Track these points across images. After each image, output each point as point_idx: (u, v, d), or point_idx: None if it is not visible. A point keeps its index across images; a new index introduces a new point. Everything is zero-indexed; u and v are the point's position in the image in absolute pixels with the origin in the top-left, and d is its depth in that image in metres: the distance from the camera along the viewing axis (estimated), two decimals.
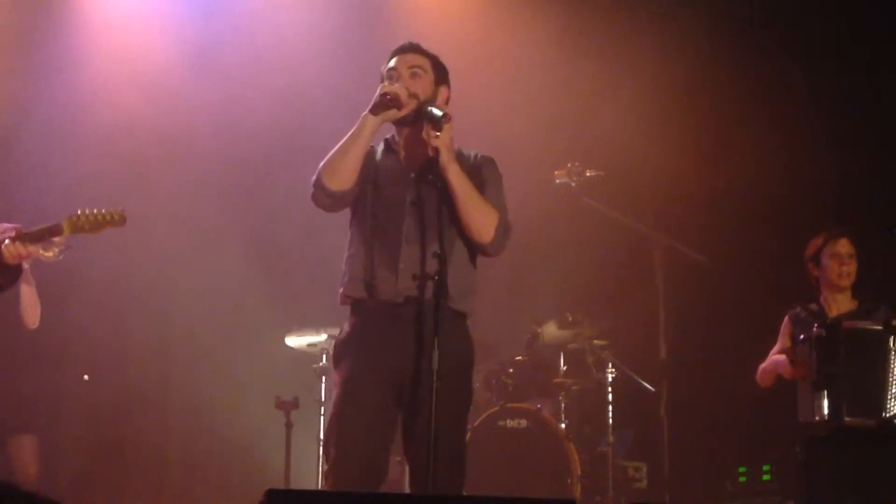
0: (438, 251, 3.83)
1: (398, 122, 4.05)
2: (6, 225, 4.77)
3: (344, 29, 7.35)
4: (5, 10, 7.05)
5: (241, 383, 7.27)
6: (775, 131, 6.84)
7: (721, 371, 6.73)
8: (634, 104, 6.93)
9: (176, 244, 7.26)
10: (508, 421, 6.16)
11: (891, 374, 4.98)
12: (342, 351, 4.01)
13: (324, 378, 6.25)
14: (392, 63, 4.12)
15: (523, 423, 6.13)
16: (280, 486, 5.98)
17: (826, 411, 4.95)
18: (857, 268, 5.28)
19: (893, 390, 4.99)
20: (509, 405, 6.24)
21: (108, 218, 4.79)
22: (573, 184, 6.25)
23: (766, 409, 6.10)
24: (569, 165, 6.27)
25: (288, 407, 6.22)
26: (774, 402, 5.57)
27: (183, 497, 7.11)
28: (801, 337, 5.13)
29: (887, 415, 4.95)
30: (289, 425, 6.22)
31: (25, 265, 5.33)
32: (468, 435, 6.05)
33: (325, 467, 3.99)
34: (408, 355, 3.87)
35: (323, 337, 6.28)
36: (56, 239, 4.78)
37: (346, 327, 4.05)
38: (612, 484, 6.27)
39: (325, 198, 4.04)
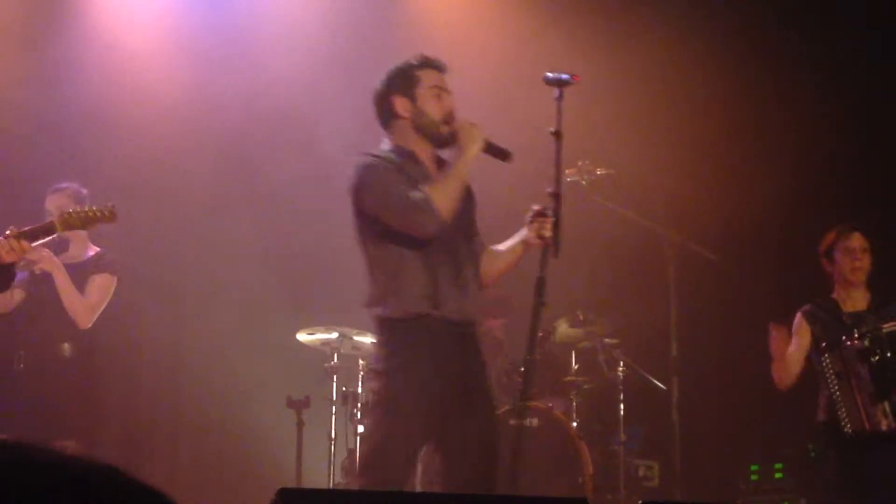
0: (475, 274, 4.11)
1: (434, 141, 4.13)
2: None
3: (350, 25, 7.35)
4: (8, 9, 7.07)
5: (253, 382, 7.28)
6: (788, 128, 6.82)
7: (733, 369, 6.71)
8: (646, 101, 6.92)
9: (188, 243, 7.28)
10: (512, 420, 6.15)
11: None
12: (399, 362, 3.98)
13: (335, 377, 6.25)
14: (435, 80, 4.13)
15: (535, 421, 6.12)
16: (292, 484, 5.98)
17: (893, 418, 4.93)
18: (870, 262, 5.27)
19: None
20: (520, 404, 6.21)
21: (98, 214, 4.86)
22: (584, 182, 6.23)
23: (778, 407, 6.08)
24: (579, 164, 6.24)
25: (299, 406, 6.23)
26: (786, 400, 5.55)
27: (195, 496, 7.10)
28: (831, 345, 5.10)
29: None
30: (300, 424, 6.22)
31: (37, 271, 5.46)
32: None
33: (362, 466, 4.10)
34: (464, 369, 4.00)
35: (334, 335, 6.28)
36: (48, 238, 4.87)
37: (405, 340, 4.00)
38: (623, 482, 6.26)
39: (434, 228, 3.98)
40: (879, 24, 6.74)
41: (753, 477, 6.20)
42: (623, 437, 6.34)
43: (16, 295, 5.64)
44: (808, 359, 5.24)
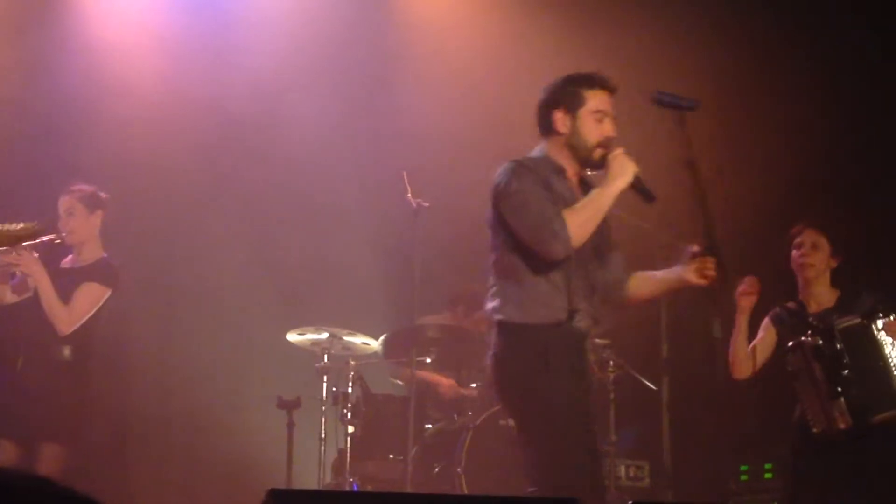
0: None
1: (583, 163, 4.15)
2: None
3: (338, 21, 7.35)
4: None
5: (243, 383, 7.28)
6: (779, 130, 6.82)
7: (723, 370, 6.71)
8: (637, 101, 6.90)
9: (176, 243, 7.27)
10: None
11: (890, 359, 4.95)
12: (543, 373, 4.02)
13: (325, 377, 6.25)
14: (597, 103, 4.13)
15: None
16: (282, 485, 5.97)
17: (850, 417, 4.88)
18: (825, 258, 5.22)
19: None
20: None
21: (21, 234, 4.86)
22: None
23: (767, 407, 6.08)
24: None
25: (290, 406, 6.22)
26: (776, 401, 5.55)
27: (185, 496, 7.10)
28: (791, 344, 5.08)
29: None
30: (290, 424, 6.21)
31: (18, 273, 5.51)
32: (470, 434, 6.07)
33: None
34: (586, 377, 4.15)
35: (324, 335, 6.27)
36: None
37: (544, 348, 4.04)
38: (614, 483, 6.26)
39: (563, 253, 4.00)
40: (876, 25, 6.75)
41: (743, 477, 6.20)
42: (614, 438, 6.34)
43: (8, 294, 5.67)
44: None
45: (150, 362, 7.35)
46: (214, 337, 7.25)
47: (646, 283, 4.29)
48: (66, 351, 5.57)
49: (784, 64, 6.93)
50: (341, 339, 6.29)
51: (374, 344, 6.42)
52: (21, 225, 4.81)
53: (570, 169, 4.15)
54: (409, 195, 6.18)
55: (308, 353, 6.43)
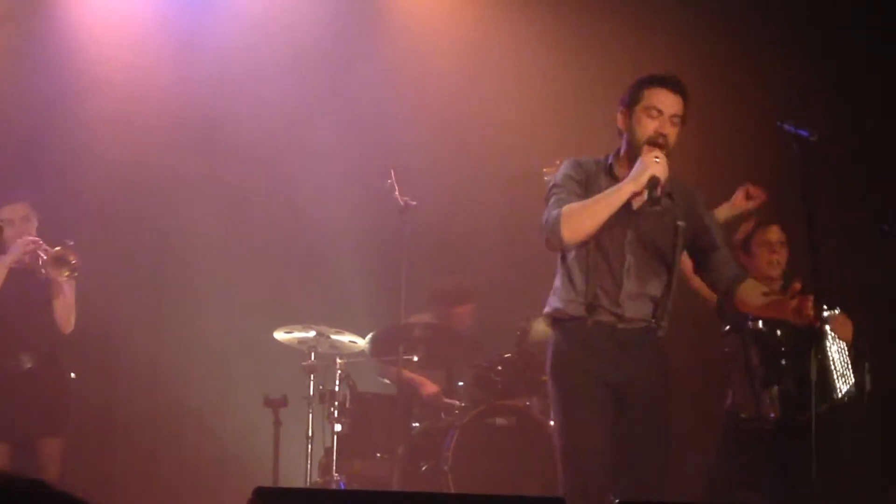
0: (659, 292, 4.13)
1: (633, 161, 4.08)
2: None
3: (330, 27, 7.35)
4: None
5: (230, 381, 7.27)
6: (770, 130, 6.82)
7: (710, 369, 6.72)
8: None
9: (165, 241, 7.26)
10: (497, 418, 6.16)
11: (829, 353, 4.90)
12: (563, 365, 4.16)
13: (312, 376, 6.24)
14: (652, 100, 4.08)
15: (512, 420, 6.12)
16: (269, 483, 5.96)
17: (780, 408, 4.84)
18: (787, 256, 5.18)
19: (837, 370, 4.91)
20: (497, 402, 6.23)
21: None
22: None
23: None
24: (557, 162, 6.21)
25: (276, 405, 6.21)
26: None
27: (172, 495, 7.09)
28: (727, 328, 5.00)
29: (838, 395, 4.87)
30: (277, 423, 6.21)
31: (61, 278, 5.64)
32: (457, 433, 6.08)
33: (566, 469, 4.11)
34: (621, 370, 4.09)
35: (311, 334, 6.27)
36: None
37: (562, 343, 4.19)
38: None
39: (557, 244, 4.06)
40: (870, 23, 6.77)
41: None
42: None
43: None
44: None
45: (137, 361, 7.34)
46: (201, 335, 7.24)
47: (757, 297, 4.22)
48: (59, 350, 5.81)
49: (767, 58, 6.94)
50: (328, 337, 6.29)
51: (362, 342, 6.41)
52: None
53: (621, 169, 4.12)
54: (397, 194, 6.18)
55: (295, 352, 6.42)
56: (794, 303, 3.97)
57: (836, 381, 4.92)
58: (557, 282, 4.21)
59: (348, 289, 7.32)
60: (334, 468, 6.10)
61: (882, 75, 6.67)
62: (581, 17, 7.14)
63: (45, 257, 5.65)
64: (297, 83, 7.27)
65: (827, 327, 4.88)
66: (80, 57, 7.06)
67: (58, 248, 5.66)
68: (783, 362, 4.87)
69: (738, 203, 5.19)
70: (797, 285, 3.98)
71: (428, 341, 6.58)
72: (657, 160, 3.98)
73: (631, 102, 4.11)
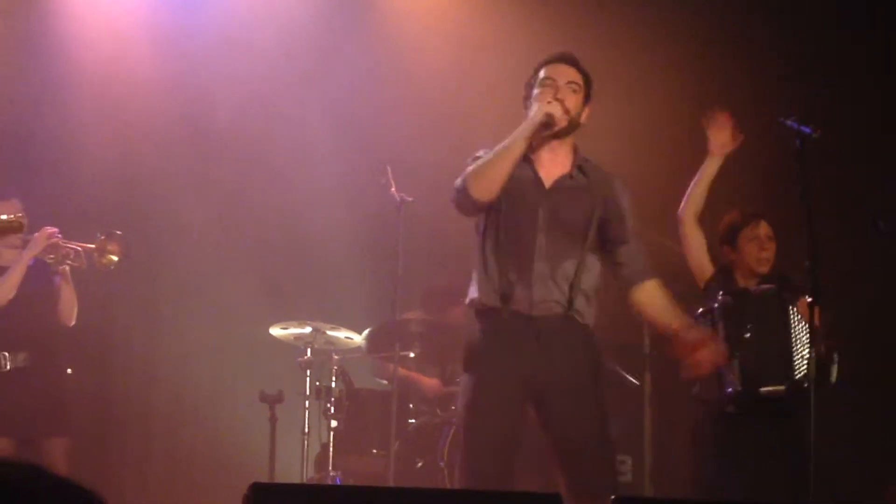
0: (571, 272, 3.99)
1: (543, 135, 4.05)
2: None
3: (328, 21, 7.34)
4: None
5: (226, 377, 7.27)
6: (769, 131, 6.82)
7: None
8: (625, 99, 6.92)
9: (160, 236, 7.25)
10: None
11: (793, 333, 4.79)
12: (476, 355, 4.07)
13: (308, 371, 6.24)
14: (547, 72, 4.10)
15: None
16: (265, 479, 5.97)
17: (740, 383, 4.73)
18: (775, 251, 5.06)
19: (800, 351, 4.78)
20: None
21: (6, 225, 4.86)
22: None
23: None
24: None
25: (272, 401, 6.22)
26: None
27: (167, 491, 7.09)
28: (700, 311, 4.90)
29: (798, 375, 4.74)
30: (273, 419, 6.21)
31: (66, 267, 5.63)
32: (453, 429, 6.07)
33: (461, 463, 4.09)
34: (540, 364, 3.96)
35: (307, 330, 6.27)
36: None
37: (478, 333, 4.09)
38: None
39: (468, 205, 4.03)
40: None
41: None
42: None
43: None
44: None
45: (133, 356, 7.33)
46: (197, 331, 7.23)
47: (655, 303, 4.20)
48: (62, 346, 5.81)
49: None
50: (324, 333, 6.29)
51: (358, 338, 6.41)
52: (4, 217, 4.81)
53: (539, 152, 4.10)
54: (393, 189, 6.18)
55: (291, 348, 6.42)
56: (697, 355, 4.02)
57: (798, 361, 4.77)
58: (474, 271, 4.14)
59: (344, 285, 7.32)
60: (330, 464, 6.10)
61: (883, 73, 6.67)
62: (578, 11, 7.13)
63: (78, 249, 5.65)
64: (292, 79, 7.26)
65: (796, 310, 4.79)
66: (68, 53, 7.05)
67: (102, 238, 5.68)
68: (747, 336, 4.77)
69: (722, 146, 5.06)
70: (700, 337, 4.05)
71: (424, 337, 6.58)
72: (550, 102, 3.98)
73: (529, 86, 4.13)
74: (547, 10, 7.19)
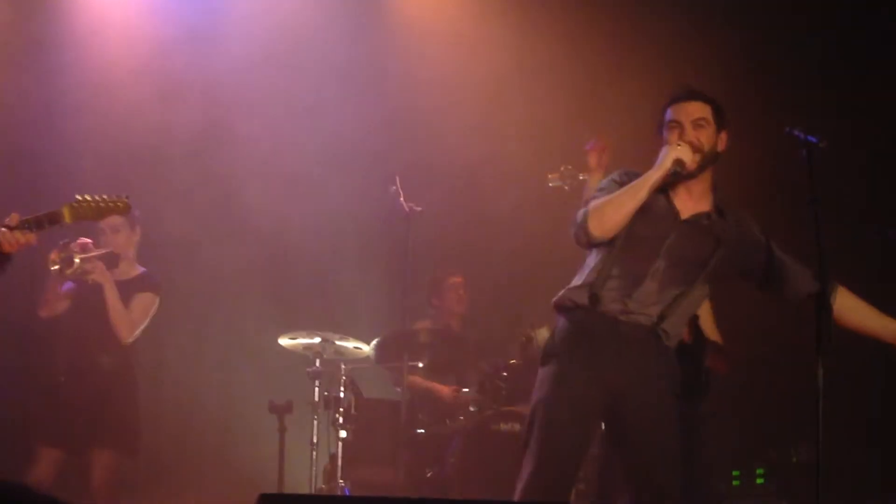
0: (675, 295, 4.01)
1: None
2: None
3: (336, 28, 7.36)
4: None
5: (235, 387, 7.27)
6: (769, 134, 6.82)
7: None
8: (624, 102, 6.92)
9: (170, 245, 7.25)
10: (502, 424, 6.15)
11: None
12: (555, 349, 4.07)
13: (317, 382, 6.24)
14: (672, 114, 4.10)
15: (516, 426, 6.11)
16: (273, 490, 5.96)
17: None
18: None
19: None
20: (503, 409, 6.23)
21: (111, 205, 4.72)
22: (566, 187, 6.22)
23: (759, 412, 6.08)
24: (561, 168, 6.22)
25: (281, 411, 6.21)
26: (769, 405, 5.55)
27: (176, 501, 7.09)
28: None
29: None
30: (282, 429, 6.21)
31: (89, 281, 5.72)
32: (462, 439, 6.07)
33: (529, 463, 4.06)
34: (619, 368, 3.96)
35: (316, 340, 6.27)
36: (57, 226, 4.70)
37: (561, 329, 4.11)
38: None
39: (585, 240, 4.05)
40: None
41: (735, 482, 6.20)
42: (604, 441, 6.33)
43: (62, 303, 5.90)
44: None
45: (143, 367, 7.33)
46: (206, 341, 7.24)
47: (857, 313, 4.13)
48: (115, 359, 5.92)
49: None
50: (333, 343, 6.29)
51: (367, 348, 6.41)
52: (104, 197, 4.72)
53: (678, 183, 4.10)
54: (402, 199, 6.18)
55: (300, 358, 6.42)
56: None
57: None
58: (577, 273, 4.16)
59: (353, 294, 7.32)
60: (339, 474, 6.10)
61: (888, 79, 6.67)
62: (591, 29, 7.13)
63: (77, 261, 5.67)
64: (301, 88, 7.28)
65: None
66: (77, 56, 7.07)
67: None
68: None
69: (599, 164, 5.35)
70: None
71: (433, 347, 6.58)
72: (679, 145, 4.00)
73: (659, 128, 4.15)
74: (560, 17, 7.19)
